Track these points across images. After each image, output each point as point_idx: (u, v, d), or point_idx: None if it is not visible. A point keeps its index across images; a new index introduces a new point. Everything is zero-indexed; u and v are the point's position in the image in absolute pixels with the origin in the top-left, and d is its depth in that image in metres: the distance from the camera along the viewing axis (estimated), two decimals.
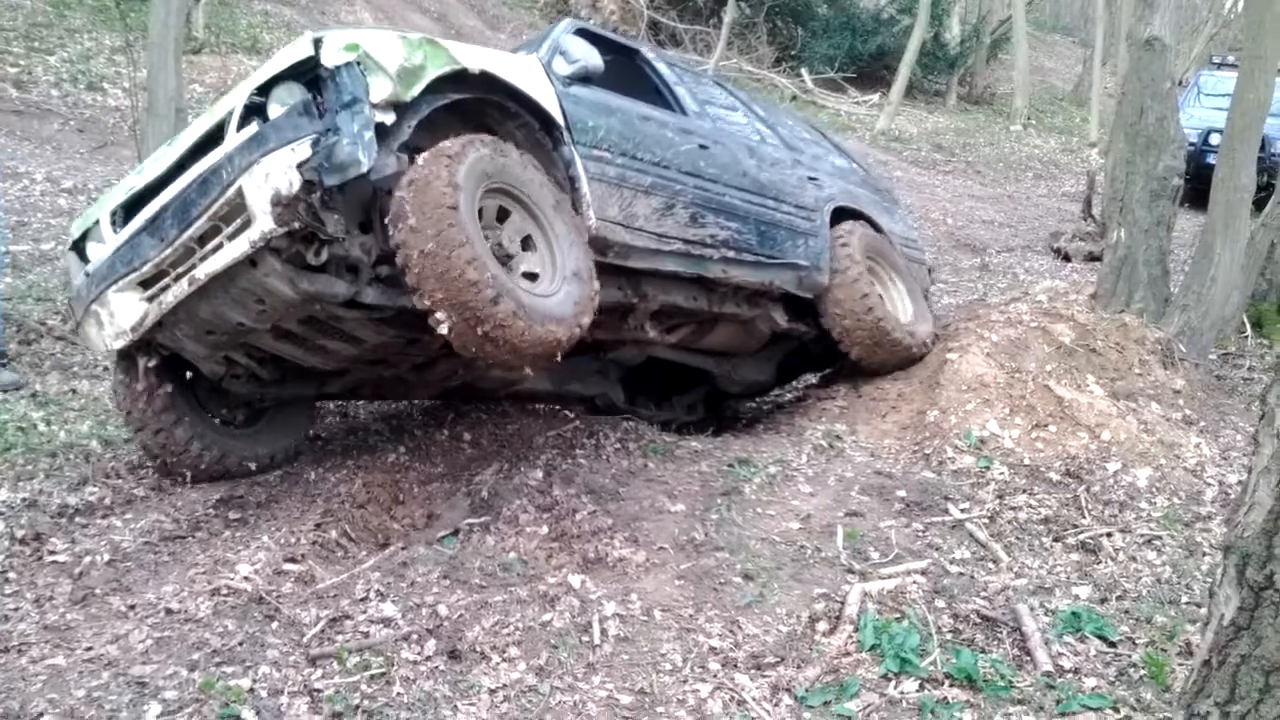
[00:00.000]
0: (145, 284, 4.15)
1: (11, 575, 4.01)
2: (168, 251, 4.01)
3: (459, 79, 4.07)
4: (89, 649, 3.53)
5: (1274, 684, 1.87)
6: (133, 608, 3.79)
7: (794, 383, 7.20)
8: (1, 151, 9.48)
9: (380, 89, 3.78)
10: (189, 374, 4.64)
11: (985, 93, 21.79)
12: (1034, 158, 16.87)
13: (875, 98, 18.38)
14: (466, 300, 3.64)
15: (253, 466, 4.84)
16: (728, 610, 3.88)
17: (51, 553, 4.18)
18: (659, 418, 6.08)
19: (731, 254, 5.26)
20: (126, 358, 4.48)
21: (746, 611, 3.87)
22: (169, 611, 3.73)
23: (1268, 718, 1.87)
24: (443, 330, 3.72)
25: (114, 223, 4.36)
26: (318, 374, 4.66)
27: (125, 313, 4.23)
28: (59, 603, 3.84)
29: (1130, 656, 3.75)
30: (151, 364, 4.44)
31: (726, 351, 6.01)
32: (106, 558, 4.14)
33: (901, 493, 4.83)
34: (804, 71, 19.08)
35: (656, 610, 3.85)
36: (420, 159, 3.81)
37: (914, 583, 4.08)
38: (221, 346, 4.34)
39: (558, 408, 6.08)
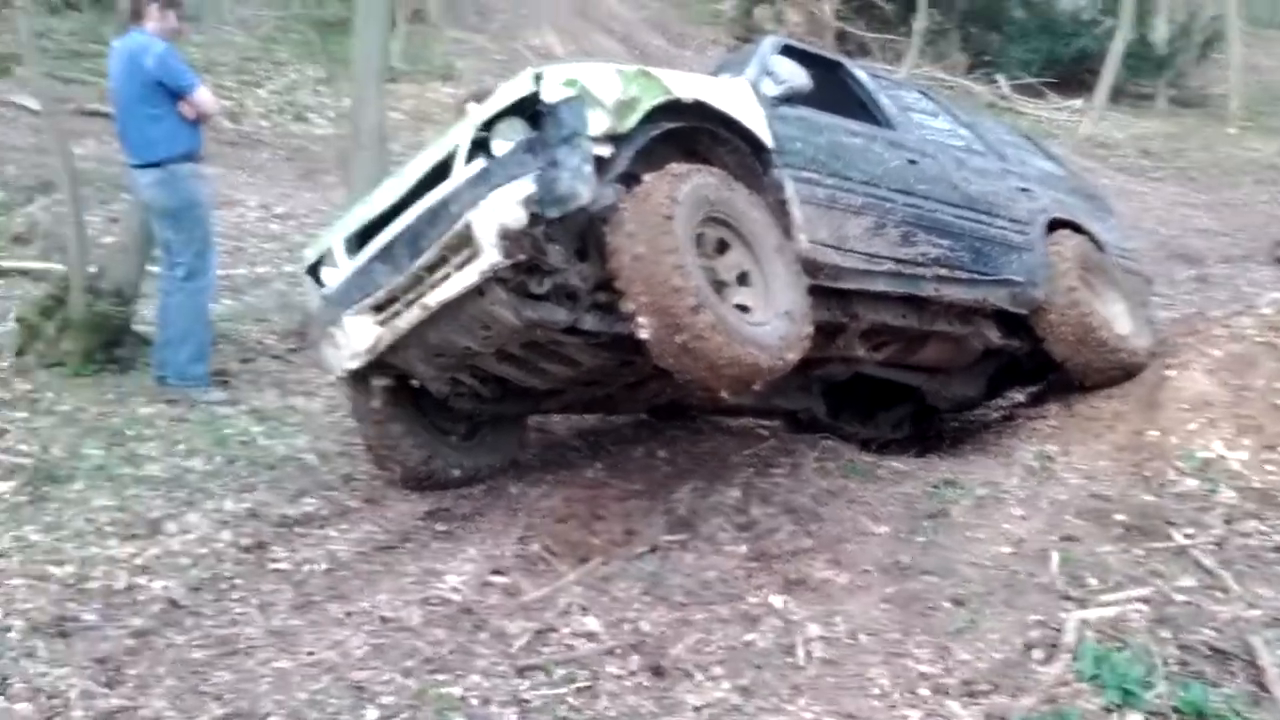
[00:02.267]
0: (378, 309, 4.38)
1: (239, 582, 4.23)
2: (399, 279, 4.23)
3: (673, 108, 4.17)
4: (310, 653, 3.69)
5: None
6: (350, 615, 3.95)
7: (1000, 400, 6.96)
8: (220, 181, 10.05)
9: (598, 123, 3.92)
10: (415, 385, 4.84)
11: (1197, 94, 20.67)
12: (1253, 162, 15.92)
13: (1077, 103, 17.70)
14: (668, 305, 3.74)
15: (457, 474, 5.00)
16: (937, 635, 3.76)
17: (274, 561, 4.40)
18: (863, 434, 5.97)
19: (944, 272, 5.17)
20: (360, 378, 4.71)
21: (957, 637, 3.75)
22: (384, 619, 3.87)
23: None
24: (643, 335, 3.83)
25: (348, 250, 4.60)
26: (535, 393, 4.80)
27: (360, 336, 4.46)
28: (282, 609, 4.03)
29: None
30: (384, 384, 4.68)
31: (936, 367, 5.87)
32: (324, 566, 4.34)
33: (1120, 516, 4.60)
34: (1000, 77, 18.53)
35: (862, 634, 3.77)
36: (647, 177, 3.94)
37: (1136, 611, 3.87)
38: (448, 368, 4.54)
39: (753, 425, 6.06)
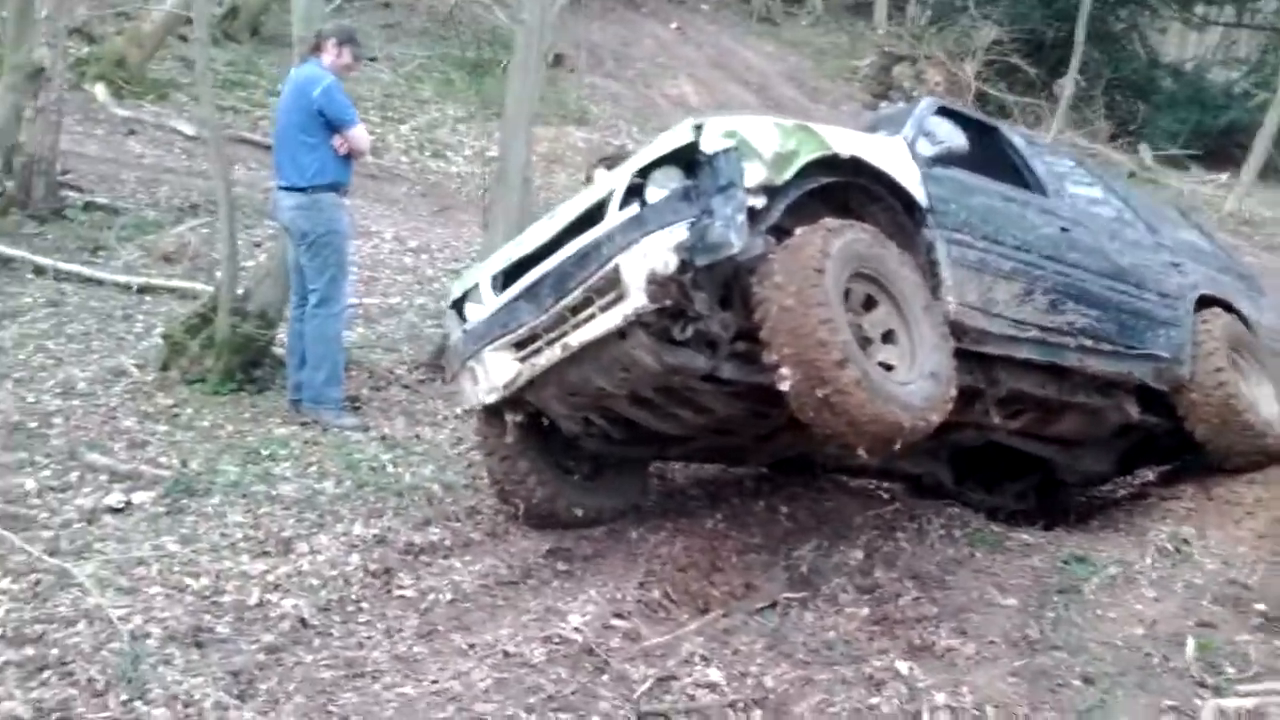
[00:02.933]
0: (519, 345, 4.48)
1: (365, 605, 4.30)
2: (543, 318, 4.32)
3: (828, 163, 4.19)
4: (434, 682, 3.73)
5: None
6: (473, 646, 3.98)
7: (1130, 478, 6.77)
8: (358, 212, 10.35)
9: (755, 174, 3.96)
10: (545, 422, 4.89)
11: None
12: None
13: (1223, 177, 17.25)
14: (813, 358, 3.75)
15: (579, 514, 5.02)
16: (1066, 713, 3.67)
17: (399, 587, 4.47)
18: (988, 503, 5.85)
19: (1089, 343, 5.09)
20: (495, 412, 4.79)
21: (1087, 716, 3.65)
22: (506, 654, 3.89)
23: None
24: (785, 387, 3.84)
25: (494, 287, 4.71)
26: (664, 438, 4.83)
27: (499, 371, 4.56)
28: (407, 635, 4.09)
29: None
30: (518, 419, 4.74)
31: (1069, 440, 5.74)
32: (449, 596, 4.38)
33: (1260, 606, 4.43)
34: (1143, 147, 18.15)
35: (989, 705, 3.68)
36: (799, 230, 3.97)
37: (1276, 704, 3.72)
38: (582, 408, 4.60)
39: (874, 486, 5.98)
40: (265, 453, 5.61)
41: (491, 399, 4.66)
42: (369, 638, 4.07)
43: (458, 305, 4.97)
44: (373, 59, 13.59)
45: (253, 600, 4.24)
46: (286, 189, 6.18)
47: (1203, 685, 3.86)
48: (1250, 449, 5.54)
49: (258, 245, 8.37)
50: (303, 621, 4.13)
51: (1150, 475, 6.60)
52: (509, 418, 4.75)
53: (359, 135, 6.22)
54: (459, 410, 6.33)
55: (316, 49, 6.26)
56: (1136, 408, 5.57)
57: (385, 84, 14.40)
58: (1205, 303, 5.76)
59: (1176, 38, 24.90)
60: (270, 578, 4.41)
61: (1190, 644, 4.11)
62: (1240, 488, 5.54)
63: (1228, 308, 5.86)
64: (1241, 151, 17.17)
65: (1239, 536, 5.17)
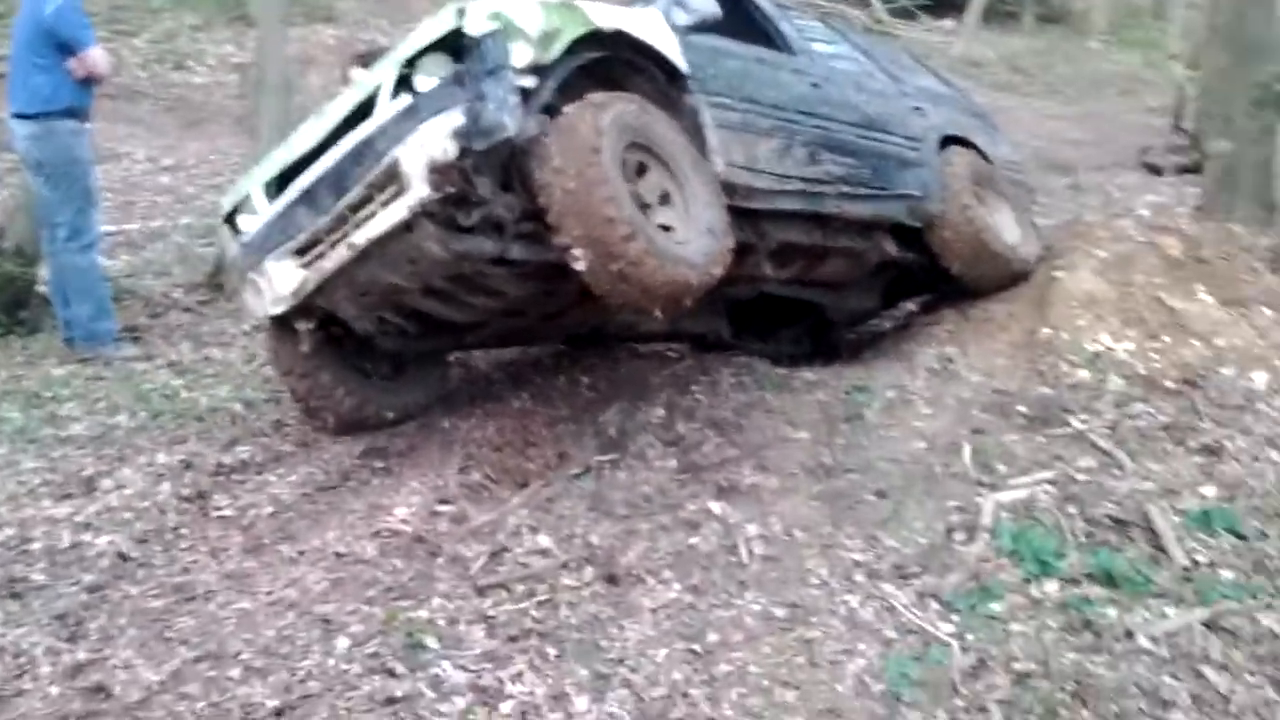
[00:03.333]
0: (301, 251, 4.38)
1: (184, 531, 4.29)
2: (323, 220, 4.23)
3: (594, 39, 4.23)
4: (270, 593, 3.79)
5: None
6: (302, 554, 4.04)
7: (894, 310, 7.25)
8: (100, 135, 9.79)
9: (522, 55, 3.95)
10: (337, 330, 4.85)
11: (1061, 10, 21.24)
12: (1115, 74, 16.54)
13: (949, 23, 18.11)
14: (603, 236, 3.83)
15: (390, 415, 5.04)
16: (866, 527, 4.03)
17: (217, 509, 4.46)
18: (766, 351, 6.17)
19: (846, 189, 5.36)
20: (283, 322, 4.70)
21: (884, 526, 4.02)
22: (337, 555, 3.98)
23: None
24: (579, 267, 3.91)
25: (267, 195, 4.57)
26: (459, 327, 4.86)
27: (283, 280, 4.46)
28: (233, 553, 4.11)
29: (1264, 548, 3.86)
30: (310, 327, 4.66)
31: (836, 282, 6.10)
32: (269, 510, 4.40)
33: (1021, 408, 4.90)
34: (875, 1, 18.83)
35: (797, 530, 4.02)
36: (568, 108, 4.00)
37: (1044, 492, 4.18)
38: (374, 306, 4.56)
39: (664, 349, 6.24)
40: (48, 395, 5.43)
41: (279, 310, 4.55)
42: (194, 561, 4.08)
43: (230, 218, 4.80)
44: None
45: (64, 543, 4.17)
46: (19, 116, 5.84)
47: (981, 484, 4.28)
48: (998, 272, 5.98)
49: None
50: (122, 556, 4.09)
51: (912, 306, 7.09)
52: (300, 327, 4.66)
53: (97, 56, 5.88)
54: (246, 327, 6.24)
55: None
56: (894, 245, 5.93)
57: None
58: (947, 142, 6.13)
59: None
60: (79, 518, 4.33)
61: (966, 450, 4.53)
62: (993, 306, 5.98)
63: (968, 145, 6.26)
64: None
65: (997, 350, 5.63)
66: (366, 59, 5.94)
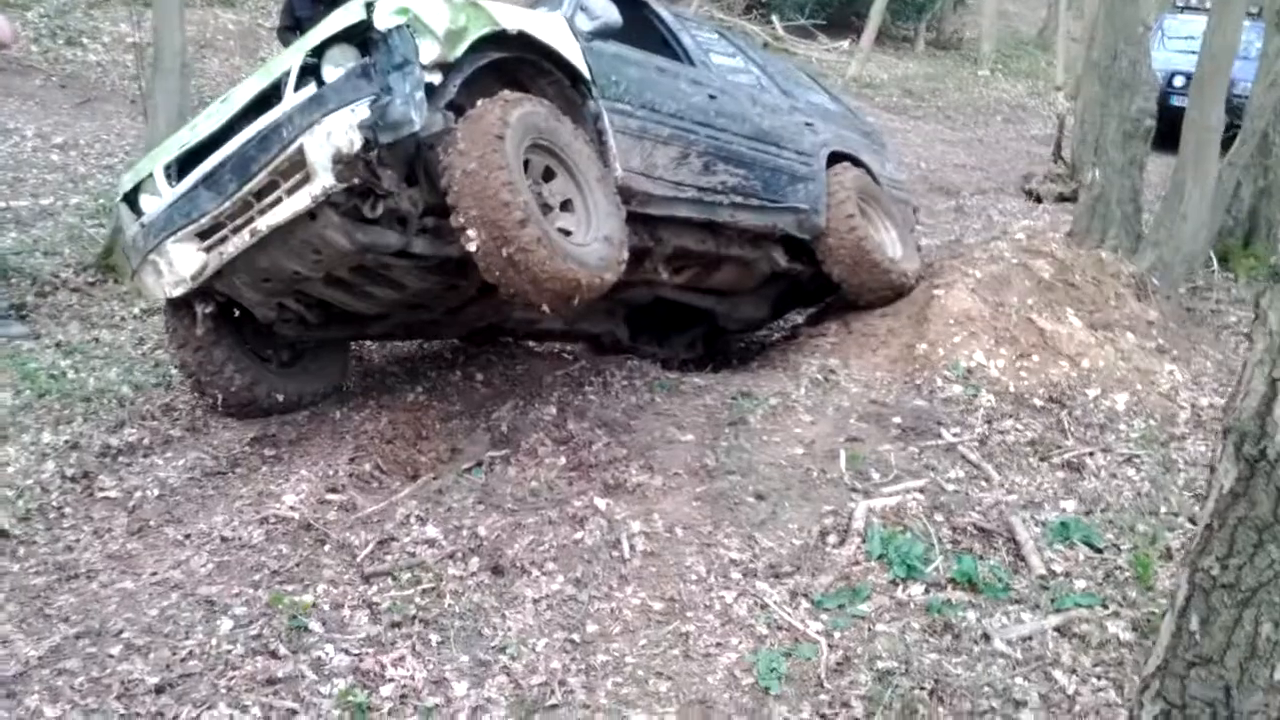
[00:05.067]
0: (203, 235, 4.39)
1: (68, 510, 4.28)
2: (226, 205, 4.25)
3: (498, 39, 4.32)
4: (154, 574, 3.80)
5: (1266, 539, 2.24)
6: (188, 537, 4.06)
7: (782, 322, 7.47)
8: None
9: (429, 51, 4.03)
10: (236, 311, 4.87)
11: (953, 38, 21.98)
12: (1002, 102, 17.13)
13: (846, 44, 18.53)
14: (497, 218, 3.90)
15: (280, 399, 5.08)
16: (744, 527, 4.17)
17: (102, 489, 4.45)
18: (661, 355, 6.34)
19: (739, 199, 5.53)
20: (182, 304, 4.70)
21: (761, 527, 4.17)
22: (224, 539, 3.99)
23: (1260, 567, 2.24)
24: (471, 247, 3.97)
25: (168, 176, 4.55)
26: (360, 318, 4.92)
27: (184, 262, 4.46)
28: (118, 534, 4.11)
29: (1116, 560, 4.09)
30: (208, 310, 4.68)
31: (728, 290, 6.28)
32: (156, 492, 4.40)
33: (897, 420, 5.13)
34: (774, 18, 19.19)
35: (678, 528, 4.15)
36: (480, 102, 4.10)
37: (914, 500, 4.39)
38: (276, 293, 4.60)
39: (560, 350, 6.35)
40: None
41: (178, 292, 4.56)
42: (77, 541, 4.07)
43: (130, 198, 4.77)
44: None
45: None
46: None
47: (854, 490, 4.48)
48: (880, 285, 6.22)
49: None
50: (3, 533, 4.08)
51: (800, 318, 7.30)
52: (198, 309, 4.68)
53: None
54: (138, 309, 6.19)
55: None
56: (784, 256, 6.15)
57: None
58: (836, 158, 6.36)
59: None
60: None
61: (842, 457, 4.73)
62: (875, 321, 6.24)
63: (855, 162, 6.49)
64: (860, 20, 18.51)
65: (876, 363, 5.87)
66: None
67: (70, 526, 4.16)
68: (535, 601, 3.67)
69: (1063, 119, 11.72)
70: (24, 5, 12.10)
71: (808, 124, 6.28)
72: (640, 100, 4.99)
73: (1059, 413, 5.31)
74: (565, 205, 4.44)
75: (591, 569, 3.86)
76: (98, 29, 12.03)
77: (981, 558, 4.04)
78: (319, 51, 4.15)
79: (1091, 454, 4.98)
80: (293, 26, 8.25)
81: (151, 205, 4.62)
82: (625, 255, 4.52)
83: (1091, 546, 4.18)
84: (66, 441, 4.74)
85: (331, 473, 4.45)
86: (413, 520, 4.12)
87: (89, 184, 8.10)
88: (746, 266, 6.06)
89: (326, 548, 3.93)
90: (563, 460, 4.69)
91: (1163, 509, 4.53)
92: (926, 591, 3.81)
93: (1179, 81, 11.86)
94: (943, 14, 22.11)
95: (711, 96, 5.51)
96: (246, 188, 4.17)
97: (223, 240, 4.34)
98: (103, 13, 12.40)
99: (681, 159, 5.17)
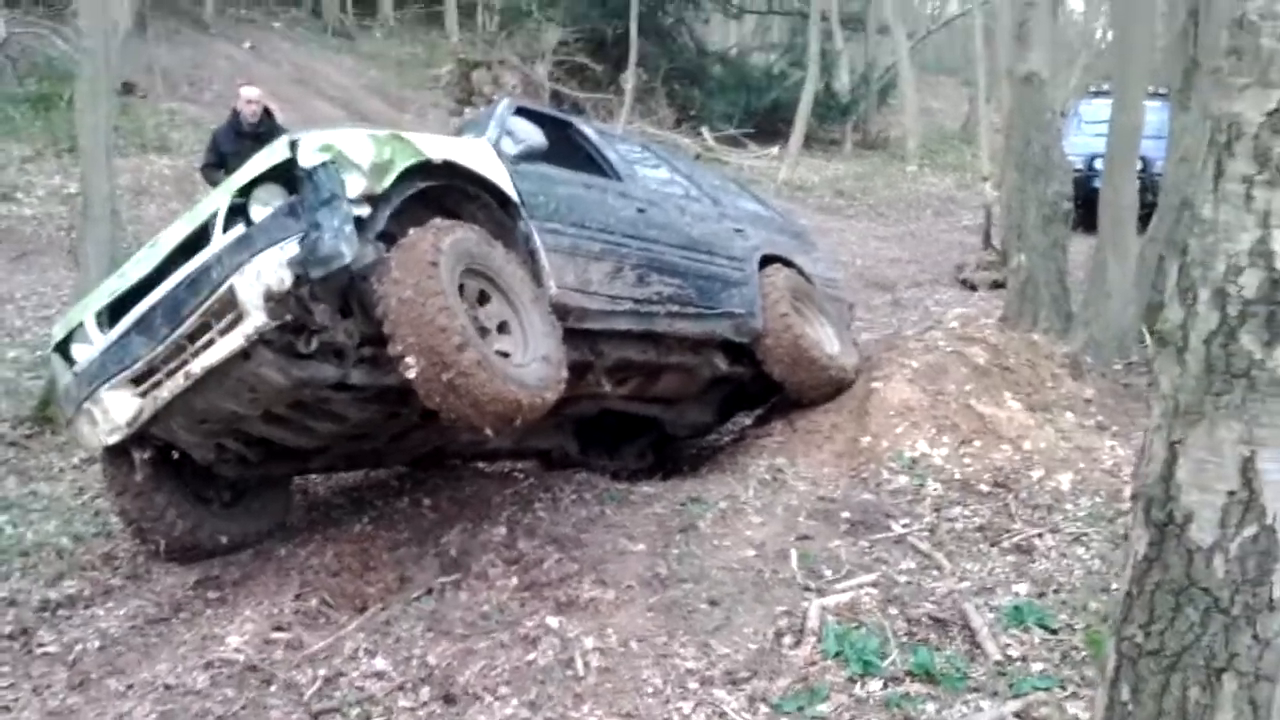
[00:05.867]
0: (137, 380, 4.37)
1: (5, 669, 4.15)
2: (159, 349, 4.25)
3: (425, 169, 4.39)
4: None
5: (1183, 602, 2.26)
6: (130, 687, 3.96)
7: (730, 425, 7.50)
8: None
9: (355, 185, 4.10)
10: (175, 454, 4.81)
11: (879, 137, 22.60)
12: (931, 195, 17.57)
13: (775, 150, 18.99)
14: (435, 345, 3.93)
15: (224, 540, 5.01)
16: (698, 634, 4.13)
17: (40, 645, 4.35)
18: (612, 466, 6.33)
19: (675, 308, 5.61)
20: (120, 451, 4.65)
21: (716, 634, 4.13)
22: (167, 687, 3.90)
23: (1181, 630, 2.25)
24: (410, 375, 3.99)
25: (100, 324, 4.56)
26: (302, 452, 4.88)
27: (119, 409, 4.44)
28: (57, 689, 4.00)
29: (1071, 640, 4.08)
30: (146, 455, 4.64)
31: (673, 398, 6.31)
32: (96, 644, 4.31)
33: (845, 515, 5.13)
34: (704, 130, 19.67)
35: (633, 641, 4.09)
36: (411, 230, 4.15)
37: (867, 594, 4.37)
38: (213, 434, 4.57)
39: (510, 468, 6.33)
40: None
41: (114, 439, 4.53)
42: (16, 700, 3.95)
43: (62, 348, 4.76)
44: None
45: None
46: None
47: (807, 589, 4.45)
48: (820, 382, 6.29)
49: None
50: None
51: (746, 420, 7.34)
52: (136, 455, 4.64)
53: None
54: (76, 460, 6.12)
55: None
56: (725, 360, 6.21)
57: None
58: (768, 261, 6.47)
59: (719, 27, 27.17)
60: None
61: (793, 556, 4.71)
62: (819, 417, 6.29)
63: (787, 263, 6.61)
64: (787, 126, 19.02)
65: (822, 459, 5.90)
66: None
67: (8, 685, 4.04)
68: None
69: (990, 208, 12.03)
70: None
71: (738, 230, 6.40)
72: (570, 218, 5.07)
73: (1005, 496, 5.34)
74: (502, 327, 4.47)
75: (546, 690, 3.79)
76: (31, 183, 12.10)
77: (938, 648, 4.02)
78: (246, 191, 4.20)
79: (1040, 535, 5.00)
80: (217, 164, 8.42)
81: (84, 354, 4.61)
82: (564, 373, 4.54)
83: (1046, 628, 4.17)
84: (4, 598, 4.65)
85: (277, 611, 4.38)
86: (361, 653, 4.05)
87: (25, 337, 8.07)
88: (689, 373, 6.11)
89: (273, 688, 3.85)
90: (514, 581, 4.64)
91: (1114, 585, 4.52)
92: (885, 686, 3.77)
93: (1099, 164, 12.24)
94: (867, 115, 22.80)
95: (640, 209, 5.61)
96: (179, 331, 4.18)
97: (157, 384, 4.32)
98: (36, 167, 12.48)
99: (615, 272, 5.23)
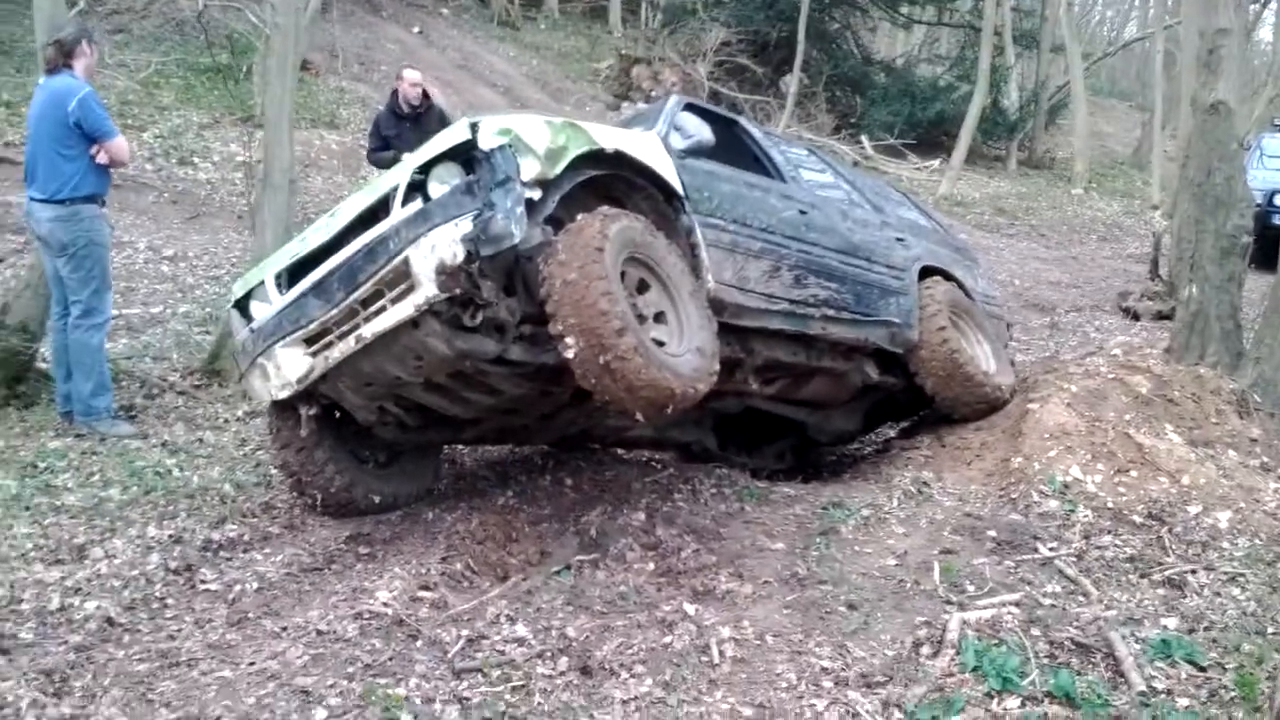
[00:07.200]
0: (310, 340, 4.57)
1: (170, 601, 4.37)
2: (334, 312, 4.43)
3: (596, 157, 4.50)
4: (252, 664, 3.85)
5: None
6: (285, 629, 4.12)
7: (874, 435, 7.45)
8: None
9: (530, 168, 4.23)
10: (338, 414, 5.01)
11: (1045, 157, 22.08)
12: (1097, 220, 17.08)
13: (936, 163, 18.72)
14: (595, 326, 4.02)
15: (376, 500, 5.19)
16: (835, 636, 4.12)
17: (203, 582, 4.54)
18: (749, 465, 6.34)
19: (831, 312, 5.61)
20: (287, 407, 4.87)
21: (853, 637, 4.11)
22: (319, 633, 4.05)
23: None
24: (569, 355, 4.09)
25: (279, 285, 4.78)
26: (456, 422, 5.02)
27: (291, 366, 4.65)
28: (217, 624, 4.18)
29: (1221, 680, 3.94)
30: (312, 412, 4.84)
31: (819, 402, 6.30)
32: (254, 586, 4.49)
33: (992, 533, 5.06)
34: (864, 138, 19.48)
35: (768, 635, 4.11)
36: (579, 216, 4.27)
37: (1009, 613, 4.29)
38: (376, 397, 4.74)
39: (649, 458, 6.39)
40: (43, 465, 5.54)
41: (284, 394, 4.73)
42: (179, 630, 4.15)
43: (241, 305, 5.01)
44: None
45: (54, 605, 4.23)
46: (43, 200, 6.06)
47: (949, 602, 4.40)
48: (973, 399, 6.21)
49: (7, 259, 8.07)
50: (109, 621, 4.16)
51: (892, 431, 7.28)
52: (302, 411, 4.84)
53: (119, 145, 6.16)
54: (239, 412, 6.39)
55: (67, 56, 6.13)
56: (876, 369, 6.17)
57: (121, 90, 13.89)
58: (927, 272, 6.41)
59: (886, 36, 26.90)
60: (69, 583, 4.40)
61: (936, 568, 4.67)
62: (968, 434, 6.21)
63: (947, 276, 6.54)
64: (950, 139, 18.73)
65: (970, 476, 5.82)
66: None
67: (173, 616, 4.25)
68: (624, 703, 3.65)
69: (1159, 237, 11.64)
70: (140, 127, 12.81)
71: (899, 239, 6.35)
72: (732, 215, 5.12)
73: (1159, 529, 5.18)
74: (659, 317, 4.54)
75: (680, 673, 3.83)
76: (208, 149, 12.66)
77: (1079, 673, 3.93)
78: (426, 169, 4.35)
79: (1194, 571, 4.84)
80: (382, 147, 8.80)
81: (261, 312, 4.84)
82: (717, 366, 4.58)
83: (1195, 664, 4.03)
84: (170, 536, 4.88)
85: (424, 571, 4.51)
86: (503, 619, 4.15)
87: (196, 293, 8.47)
88: (838, 379, 6.09)
89: (418, 643, 3.97)
90: (651, 566, 4.71)
91: (1270, 629, 4.36)
92: (1022, 705, 3.71)
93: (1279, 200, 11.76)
94: (1034, 134, 22.29)
95: (802, 211, 5.62)
96: (354, 296, 4.35)
97: (329, 345, 4.51)
98: (213, 134, 13.07)
99: (773, 272, 5.26)
